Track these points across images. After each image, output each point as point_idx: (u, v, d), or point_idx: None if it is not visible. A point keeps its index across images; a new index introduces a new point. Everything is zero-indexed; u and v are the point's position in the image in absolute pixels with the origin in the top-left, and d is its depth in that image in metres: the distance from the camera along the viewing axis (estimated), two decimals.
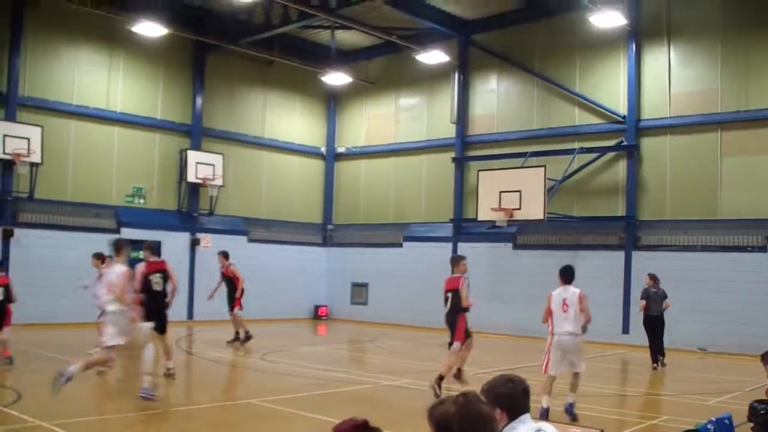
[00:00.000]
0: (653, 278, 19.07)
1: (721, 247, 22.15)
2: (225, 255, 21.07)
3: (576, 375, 11.97)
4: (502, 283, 25.68)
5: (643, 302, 18.87)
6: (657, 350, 18.55)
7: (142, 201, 26.64)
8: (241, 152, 29.66)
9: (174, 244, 26.60)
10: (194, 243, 27.53)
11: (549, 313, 12.11)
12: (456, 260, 14.70)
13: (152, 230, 25.97)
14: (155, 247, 15.27)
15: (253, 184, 30.17)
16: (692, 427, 6.11)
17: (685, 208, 23.16)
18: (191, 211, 27.63)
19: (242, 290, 20.63)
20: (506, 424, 4.39)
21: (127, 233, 25.35)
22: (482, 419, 3.45)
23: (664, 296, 18.93)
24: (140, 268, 13.99)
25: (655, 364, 18.34)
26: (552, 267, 24.04)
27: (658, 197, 23.77)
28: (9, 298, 16.18)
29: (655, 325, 18.70)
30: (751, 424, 9.76)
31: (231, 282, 20.79)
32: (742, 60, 22.37)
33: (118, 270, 12.30)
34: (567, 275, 12.31)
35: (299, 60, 29.01)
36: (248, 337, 20.50)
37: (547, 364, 11.93)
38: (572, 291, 12.05)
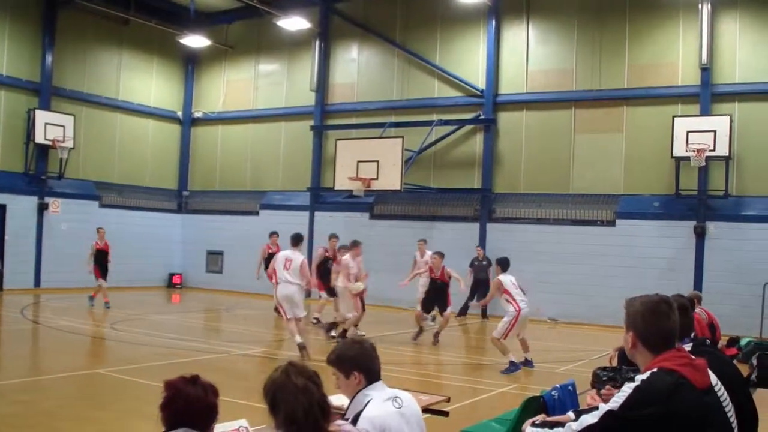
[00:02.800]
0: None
1: (573, 221, 22.81)
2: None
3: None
4: None
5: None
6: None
7: None
8: (94, 114, 28.52)
9: (20, 209, 25.50)
10: (42, 207, 26.40)
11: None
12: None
13: None
14: None
15: (106, 147, 29.10)
16: (537, 394, 6.16)
17: (539, 182, 23.72)
18: (39, 173, 26.35)
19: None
20: (359, 390, 4.31)
21: None
22: (295, 390, 3.45)
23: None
24: None
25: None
26: (409, 237, 24.51)
27: (514, 171, 24.25)
28: None
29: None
30: (594, 390, 10.02)
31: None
32: (597, 41, 23.03)
33: None
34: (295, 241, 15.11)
35: (156, 20, 28.17)
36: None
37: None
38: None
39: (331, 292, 18.98)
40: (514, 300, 13.78)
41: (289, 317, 14.71)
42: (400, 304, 23.89)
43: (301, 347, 14.18)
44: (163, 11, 28.75)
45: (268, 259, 19.78)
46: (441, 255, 17.38)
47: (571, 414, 4.23)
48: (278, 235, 20.64)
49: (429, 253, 19.12)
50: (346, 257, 17.43)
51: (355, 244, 17.68)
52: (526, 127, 24.15)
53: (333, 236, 20.29)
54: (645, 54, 22.50)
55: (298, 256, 14.89)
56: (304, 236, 15.66)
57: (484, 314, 22.87)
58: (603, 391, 4.73)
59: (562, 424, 3.91)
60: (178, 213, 31.37)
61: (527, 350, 14.19)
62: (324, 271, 19.46)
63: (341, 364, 4.40)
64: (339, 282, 17.46)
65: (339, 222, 26.21)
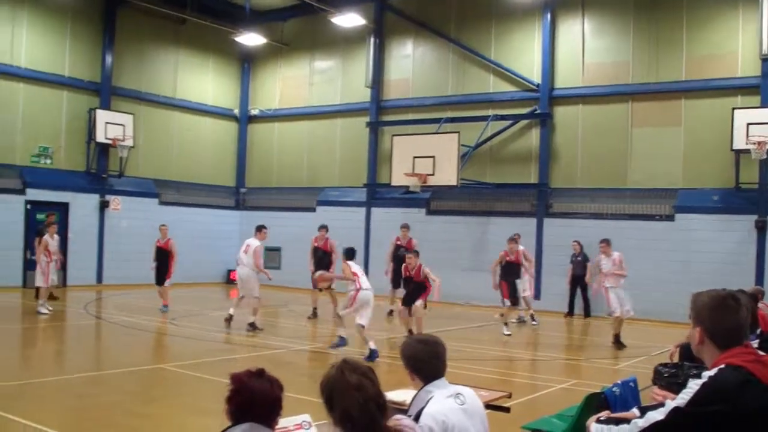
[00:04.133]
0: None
1: (630, 215, 22.57)
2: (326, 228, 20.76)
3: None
4: None
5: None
6: None
7: (48, 161, 25.82)
8: (152, 112, 28.98)
9: (82, 206, 26.08)
10: (103, 205, 26.88)
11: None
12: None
13: (59, 191, 25.42)
14: None
15: (165, 145, 29.56)
16: (598, 390, 6.14)
17: (596, 177, 23.51)
18: (100, 172, 26.88)
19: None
20: (421, 387, 4.35)
21: (33, 194, 24.78)
22: (349, 387, 3.46)
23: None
24: None
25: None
26: (465, 233, 24.45)
27: (570, 165, 24.07)
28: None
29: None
30: (656, 387, 9.95)
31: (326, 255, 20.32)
32: (653, 33, 22.74)
33: None
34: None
35: (212, 19, 28.46)
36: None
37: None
38: None
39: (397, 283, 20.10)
40: (359, 281, 14.70)
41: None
42: (457, 299, 23.88)
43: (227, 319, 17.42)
44: (219, 10, 29.03)
45: (317, 252, 20.49)
46: (416, 254, 17.45)
47: (636, 411, 4.20)
48: (327, 229, 20.69)
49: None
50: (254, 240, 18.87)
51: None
52: (582, 120, 23.96)
53: (405, 226, 21.38)
54: (703, 45, 22.14)
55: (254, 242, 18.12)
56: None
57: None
58: (651, 394, 4.69)
59: (627, 421, 3.89)
60: (235, 210, 31.68)
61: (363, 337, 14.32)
62: (397, 259, 20.13)
63: (403, 362, 4.46)
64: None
65: (395, 218, 26.22)
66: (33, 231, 23.16)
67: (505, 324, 18.01)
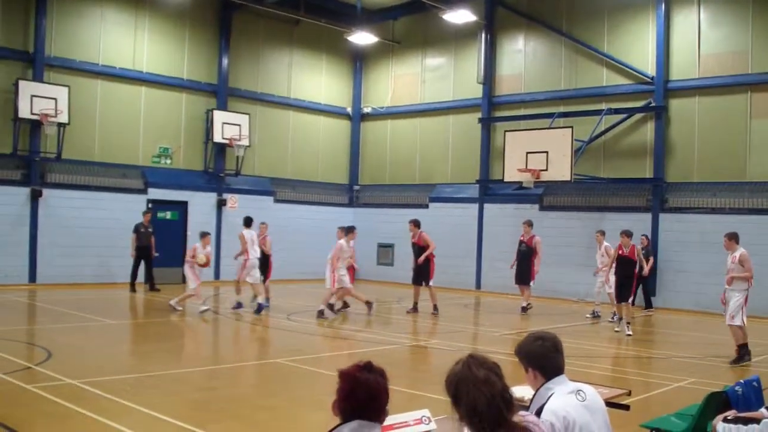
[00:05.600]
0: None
1: (750, 210, 21.96)
2: (417, 224, 20.84)
3: None
4: None
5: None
6: None
7: (168, 161, 26.70)
8: (267, 112, 29.65)
9: (200, 205, 26.90)
10: (221, 203, 27.62)
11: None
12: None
13: (179, 190, 26.28)
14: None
15: (280, 144, 30.18)
16: (720, 389, 6.08)
17: (713, 171, 22.94)
18: (218, 171, 27.68)
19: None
20: (542, 384, 4.37)
21: (154, 194, 25.65)
22: (476, 382, 3.47)
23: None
24: None
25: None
26: (579, 228, 24.24)
27: (686, 159, 23.57)
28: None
29: None
30: None
31: (421, 250, 20.54)
32: None
33: None
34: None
35: (325, 19, 28.85)
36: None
37: None
38: None
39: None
40: (248, 252, 19.62)
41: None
42: (571, 296, 23.72)
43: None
44: (330, 10, 29.41)
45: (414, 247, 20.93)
46: (416, 223, 20.54)
47: (764, 411, 4.17)
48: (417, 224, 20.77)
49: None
50: (342, 241, 19.43)
51: (350, 230, 20.07)
52: (699, 113, 23.41)
53: (527, 222, 21.66)
54: None
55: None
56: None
57: (648, 305, 22.46)
58: None
59: (757, 421, 3.86)
60: (349, 207, 32.08)
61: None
62: (519, 255, 21.45)
63: (520, 359, 4.47)
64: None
65: (508, 214, 26.24)
66: (155, 229, 23.96)
67: (627, 323, 17.31)
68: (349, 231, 19.84)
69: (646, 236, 22.50)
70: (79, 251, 23.77)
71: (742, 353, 13.80)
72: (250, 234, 20.00)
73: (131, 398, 9.46)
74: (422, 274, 20.28)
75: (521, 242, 21.38)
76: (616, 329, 17.72)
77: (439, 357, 14.09)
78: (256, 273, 19.81)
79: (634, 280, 17.85)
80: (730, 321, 13.94)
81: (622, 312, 17.75)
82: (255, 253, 19.80)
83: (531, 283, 21.21)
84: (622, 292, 17.49)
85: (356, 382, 3.60)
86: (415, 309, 20.30)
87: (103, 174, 24.84)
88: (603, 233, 20.49)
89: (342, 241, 19.48)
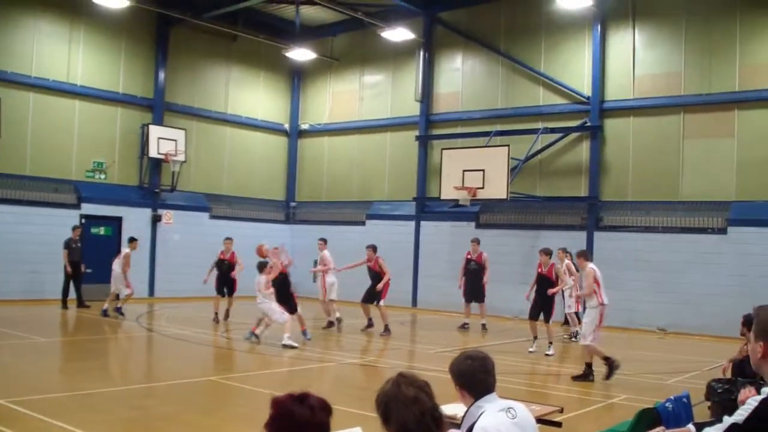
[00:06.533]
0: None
1: (682, 229, 22.29)
2: (374, 249, 20.67)
3: None
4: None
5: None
6: None
7: (102, 176, 26.25)
8: (204, 128, 29.37)
9: (135, 221, 26.44)
10: (155, 219, 27.23)
11: None
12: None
13: (113, 206, 25.86)
14: None
15: (216, 160, 29.91)
16: (651, 406, 6.11)
17: (647, 190, 23.27)
18: (153, 186, 27.28)
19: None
20: (471, 404, 4.34)
21: (88, 209, 25.21)
22: (406, 401, 3.45)
23: None
24: None
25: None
26: (515, 246, 24.40)
27: (621, 178, 23.87)
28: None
29: None
30: (709, 403, 9.89)
31: (378, 276, 20.33)
32: (706, 44, 22.47)
33: None
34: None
35: (263, 35, 28.75)
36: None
37: None
38: None
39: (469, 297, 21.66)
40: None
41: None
42: (506, 313, 23.81)
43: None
44: (269, 26, 29.33)
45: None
46: (374, 248, 20.50)
47: (691, 427, 4.19)
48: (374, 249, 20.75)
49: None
50: (325, 252, 21.08)
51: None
52: (633, 133, 23.75)
53: (475, 240, 21.88)
54: (758, 54, 21.76)
55: None
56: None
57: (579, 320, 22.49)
58: (743, 391, 4.63)
59: None
60: (286, 223, 31.87)
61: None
62: (468, 273, 21.56)
63: (452, 377, 4.47)
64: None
65: (445, 231, 26.31)
66: (88, 244, 23.63)
67: (550, 342, 17.02)
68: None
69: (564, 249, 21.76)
70: (8, 267, 23.17)
71: (587, 372, 13.79)
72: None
73: (63, 418, 9.22)
74: (375, 294, 20.09)
75: (470, 260, 21.37)
76: (530, 349, 17.09)
77: (374, 374, 14.02)
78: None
79: (552, 298, 17.60)
80: (582, 341, 14.23)
81: (535, 331, 17.25)
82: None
83: (485, 300, 21.37)
84: (535, 311, 17.28)
85: (284, 413, 3.35)
86: (370, 324, 20.25)
87: (35, 188, 24.25)
88: (564, 250, 19.65)
89: (326, 252, 21.17)
